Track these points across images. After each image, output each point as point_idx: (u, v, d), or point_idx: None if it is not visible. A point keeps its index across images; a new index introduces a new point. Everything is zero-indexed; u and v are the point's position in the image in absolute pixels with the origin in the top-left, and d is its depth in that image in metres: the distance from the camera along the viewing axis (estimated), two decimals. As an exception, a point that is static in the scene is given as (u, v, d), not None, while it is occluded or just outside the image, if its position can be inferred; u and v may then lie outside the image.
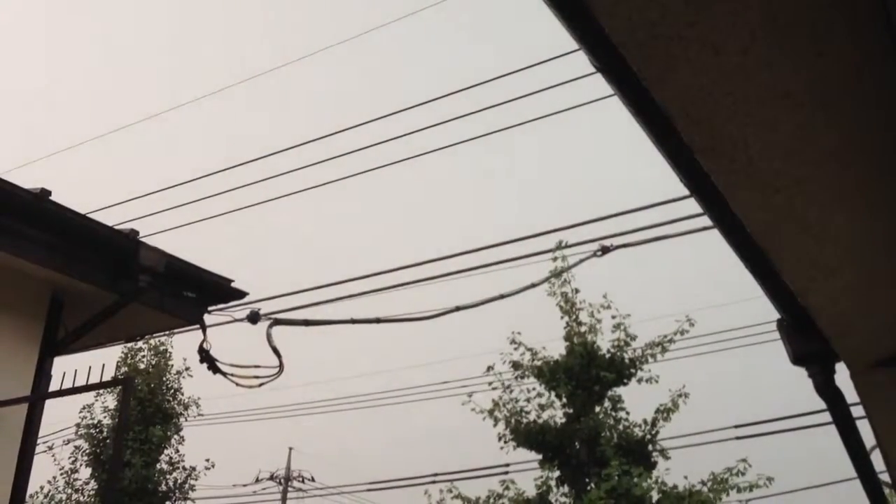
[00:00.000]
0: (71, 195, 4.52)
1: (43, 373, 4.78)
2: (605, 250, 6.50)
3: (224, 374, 5.59)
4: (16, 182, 4.19)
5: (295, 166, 7.04)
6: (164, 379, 15.85)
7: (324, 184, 7.26)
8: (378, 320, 6.39)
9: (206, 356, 5.48)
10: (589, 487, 11.48)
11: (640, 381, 11.91)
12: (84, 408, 15.77)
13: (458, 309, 6.44)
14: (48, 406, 4.89)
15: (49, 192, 4.35)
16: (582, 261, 7.34)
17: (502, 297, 6.48)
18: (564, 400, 12.07)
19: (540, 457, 12.20)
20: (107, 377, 4.76)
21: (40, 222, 4.35)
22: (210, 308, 5.26)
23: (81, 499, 15.61)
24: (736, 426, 12.39)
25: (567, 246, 9.31)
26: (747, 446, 11.84)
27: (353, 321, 6.36)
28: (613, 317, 11.99)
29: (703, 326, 11.98)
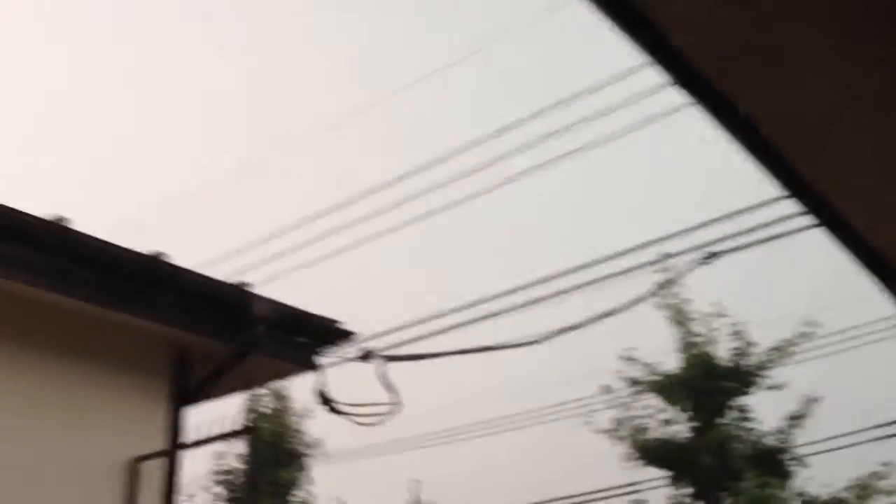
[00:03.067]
0: (181, 250, 4.74)
1: (177, 426, 5.01)
2: (711, 257, 6.33)
3: (343, 413, 5.70)
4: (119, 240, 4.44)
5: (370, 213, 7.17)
6: (287, 422, 16.28)
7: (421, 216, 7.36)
8: (488, 348, 6.40)
9: (323, 398, 5.60)
10: (726, 502, 11.10)
11: (766, 388, 11.48)
12: (218, 455, 16.36)
13: (566, 330, 6.38)
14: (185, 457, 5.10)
15: (164, 254, 4.58)
16: (689, 270, 7.17)
17: (610, 314, 6.39)
18: (689, 413, 11.74)
19: (669, 473, 11.88)
20: (235, 425, 4.97)
21: (157, 282, 4.58)
22: (322, 350, 5.39)
23: (222, 545, 16.12)
24: (875, 426, 11.74)
25: (672, 255, 9.12)
26: (889, 448, 11.20)
27: (463, 352, 6.40)
28: (732, 325, 11.63)
29: (829, 325, 11.46)
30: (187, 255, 4.76)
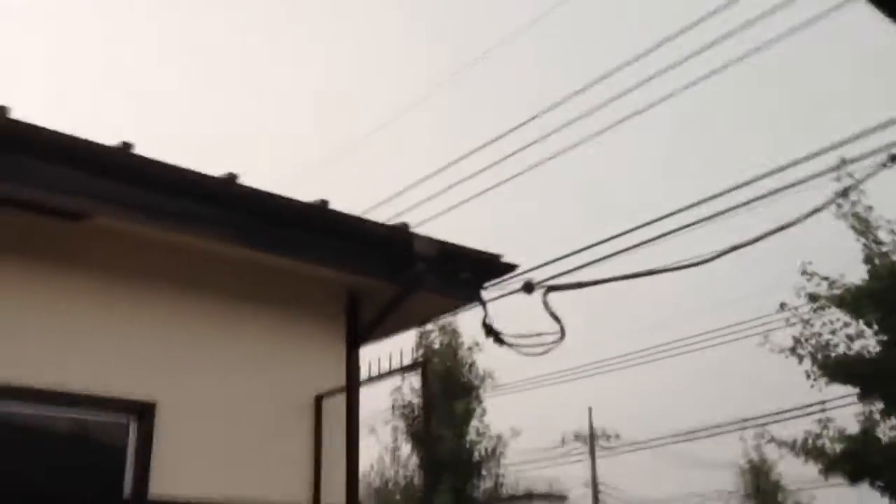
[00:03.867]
0: (344, 198, 4.90)
1: (352, 364, 5.26)
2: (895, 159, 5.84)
3: (509, 345, 5.77)
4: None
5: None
6: (458, 356, 16.72)
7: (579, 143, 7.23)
8: (651, 272, 6.25)
9: (490, 330, 5.69)
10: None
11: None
12: (395, 390, 17.09)
13: (738, 247, 6.12)
14: (363, 392, 5.36)
15: (328, 202, 4.75)
16: (871, 174, 6.65)
17: (783, 228, 6.06)
18: (875, 327, 11.06)
19: (856, 390, 11.30)
20: (407, 361, 5.17)
21: (325, 229, 4.77)
22: (485, 284, 5.46)
23: (406, 472, 16.96)
24: None
25: (852, 161, 8.50)
26: None
27: (627, 276, 6.29)
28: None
29: None
30: (350, 202, 4.92)
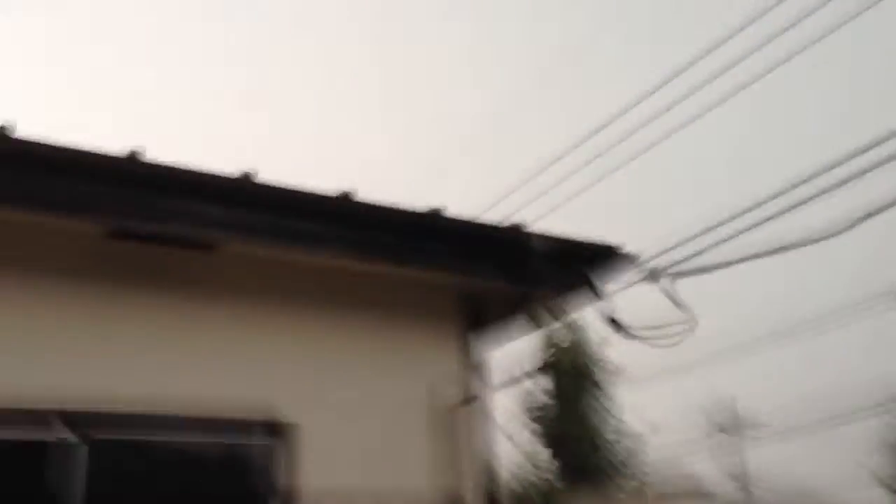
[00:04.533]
0: (452, 202, 4.95)
1: (481, 369, 5.31)
2: None
3: (637, 337, 5.68)
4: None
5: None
6: (586, 352, 16.52)
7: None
8: (783, 249, 6.02)
9: (615, 324, 5.62)
10: None
11: None
12: (525, 392, 17.04)
13: (871, 215, 5.81)
14: (495, 397, 5.39)
15: (441, 209, 4.82)
16: None
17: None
18: None
19: None
20: (536, 361, 5.16)
21: (437, 235, 4.84)
22: (606, 276, 5.39)
23: (543, 476, 16.86)
24: None
25: None
26: None
27: (755, 256, 6.08)
28: None
29: None
30: (458, 205, 4.98)
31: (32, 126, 3.85)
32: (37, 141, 3.87)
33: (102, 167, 4.02)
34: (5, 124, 3.79)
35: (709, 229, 6.18)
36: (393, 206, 4.70)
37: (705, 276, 5.71)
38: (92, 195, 4.02)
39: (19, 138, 3.83)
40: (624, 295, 5.91)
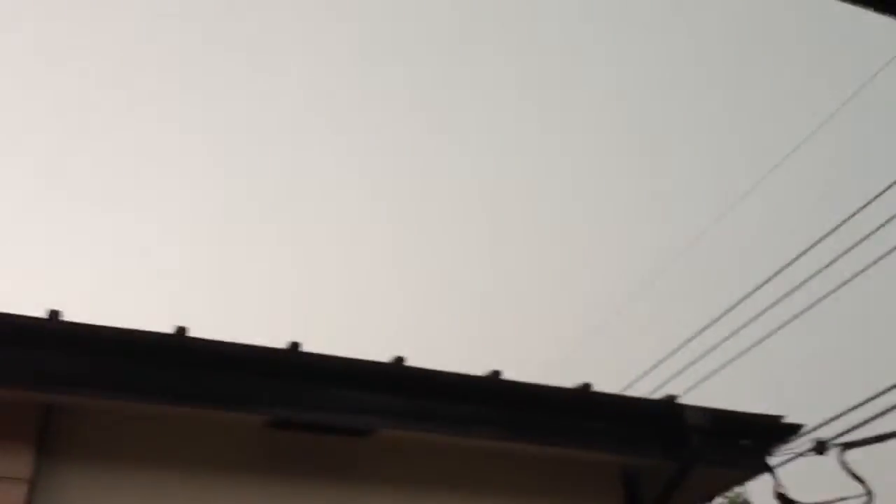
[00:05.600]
0: (600, 377, 4.88)
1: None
2: None
3: (811, 513, 5.27)
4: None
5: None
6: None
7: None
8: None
9: (785, 500, 5.25)
10: None
11: None
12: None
13: None
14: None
15: (589, 385, 4.76)
16: None
17: None
18: None
19: None
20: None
21: (590, 412, 4.76)
22: (770, 450, 5.10)
23: None
24: None
25: None
26: None
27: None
28: None
29: None
30: (607, 381, 4.91)
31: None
32: (204, 338, 4.15)
33: (264, 360, 4.24)
34: (179, 326, 4.10)
35: (882, 393, 5.77)
36: (542, 385, 4.68)
37: (880, 446, 5.29)
38: (255, 387, 4.22)
39: (191, 336, 4.12)
40: (791, 469, 5.54)
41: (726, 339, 7.27)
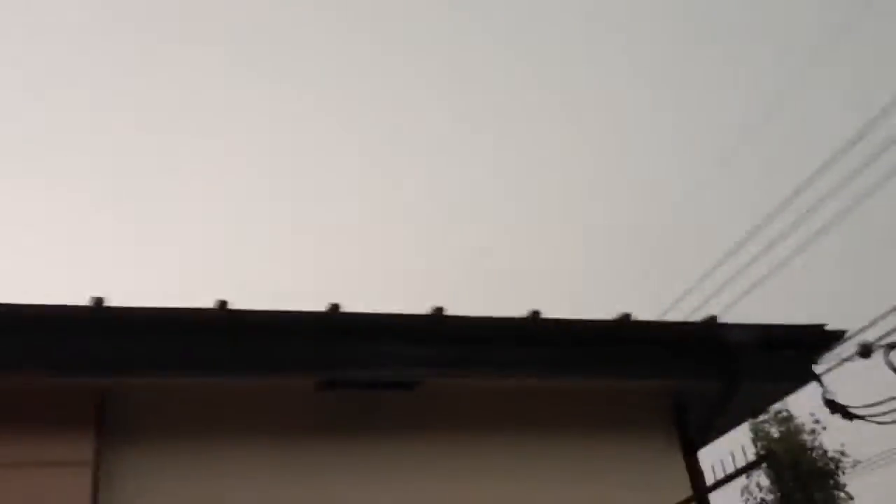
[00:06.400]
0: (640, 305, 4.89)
1: (695, 471, 5.08)
2: None
3: (860, 417, 5.28)
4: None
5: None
6: (800, 441, 15.39)
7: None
8: None
9: (834, 406, 5.26)
10: None
11: None
12: (743, 491, 15.96)
13: None
14: (712, 498, 5.13)
15: (629, 314, 4.77)
16: None
17: None
18: None
19: None
20: (750, 456, 4.88)
21: (635, 341, 4.78)
22: (816, 358, 5.10)
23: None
24: None
25: None
26: None
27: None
28: None
29: None
30: (648, 308, 4.92)
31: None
32: (247, 309, 4.20)
33: (307, 324, 4.30)
34: (220, 300, 4.15)
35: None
36: (578, 319, 4.70)
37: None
38: (301, 352, 4.28)
39: (231, 309, 4.17)
40: (837, 375, 5.55)
41: (759, 255, 7.21)
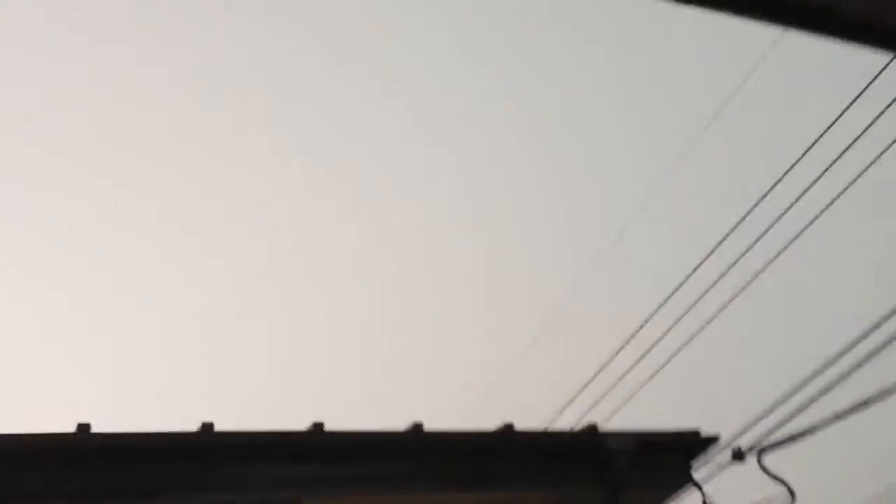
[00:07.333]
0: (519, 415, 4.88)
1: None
2: None
3: (741, 522, 5.37)
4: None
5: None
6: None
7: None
8: (865, 404, 5.77)
9: (715, 512, 5.34)
10: None
11: None
12: None
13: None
14: None
15: (511, 425, 4.76)
16: None
17: None
18: None
19: None
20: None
21: (514, 452, 4.76)
22: (694, 464, 5.19)
23: None
24: None
25: None
26: None
27: (851, 411, 5.79)
28: None
29: None
30: (527, 418, 4.92)
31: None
32: (103, 433, 3.96)
33: (174, 447, 4.09)
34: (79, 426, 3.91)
35: (791, 394, 5.91)
36: (464, 431, 4.66)
37: (796, 446, 5.45)
38: (171, 476, 4.06)
39: (95, 433, 3.94)
40: (716, 480, 5.65)
41: (638, 361, 7.42)
